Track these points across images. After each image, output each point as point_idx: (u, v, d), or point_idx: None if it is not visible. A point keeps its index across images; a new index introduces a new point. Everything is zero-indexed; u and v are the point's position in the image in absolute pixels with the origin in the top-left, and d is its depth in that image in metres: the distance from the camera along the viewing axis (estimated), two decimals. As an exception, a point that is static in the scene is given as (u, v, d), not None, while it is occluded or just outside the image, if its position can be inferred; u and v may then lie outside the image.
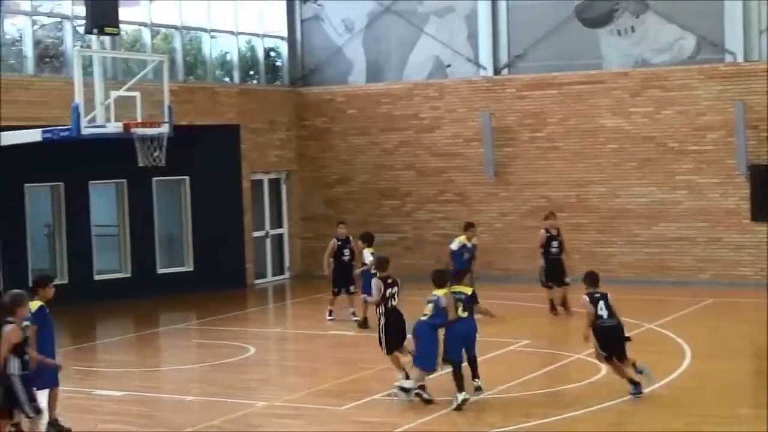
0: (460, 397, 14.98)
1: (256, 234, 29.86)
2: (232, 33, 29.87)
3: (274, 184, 31.04)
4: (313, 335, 21.56)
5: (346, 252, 22.79)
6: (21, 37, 24.83)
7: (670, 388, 15.94)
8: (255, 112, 29.71)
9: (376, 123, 30.14)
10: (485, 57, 28.93)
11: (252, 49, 30.83)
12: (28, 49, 24.32)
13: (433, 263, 28.53)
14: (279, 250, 31.01)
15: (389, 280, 16.27)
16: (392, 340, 16.01)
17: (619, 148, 27.39)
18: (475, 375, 15.88)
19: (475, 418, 14.61)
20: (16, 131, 21.33)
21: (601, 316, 15.46)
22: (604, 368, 16.36)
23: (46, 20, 25.97)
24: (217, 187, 28.62)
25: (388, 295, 16.12)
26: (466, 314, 15.72)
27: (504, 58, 28.88)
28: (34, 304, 13.91)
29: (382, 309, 16.13)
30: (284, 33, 31.26)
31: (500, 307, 23.69)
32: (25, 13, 24.78)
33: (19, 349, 12.61)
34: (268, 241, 30.44)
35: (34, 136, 20.64)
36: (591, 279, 15.85)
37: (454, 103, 29.20)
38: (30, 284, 14.66)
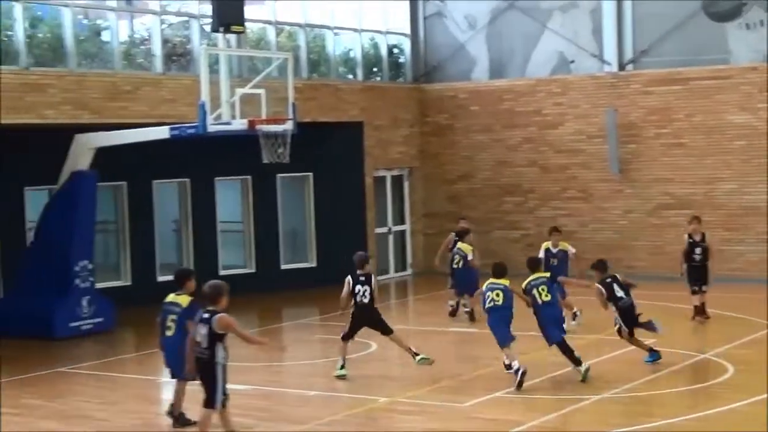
0: (582, 368, 16.13)
1: (379, 230, 29.99)
2: (355, 30, 30.02)
3: (397, 181, 31.13)
4: (435, 332, 21.57)
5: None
6: (150, 36, 25.29)
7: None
8: (378, 109, 29.82)
9: (499, 119, 30.03)
10: (610, 52, 28.62)
11: (375, 46, 30.94)
12: (157, 48, 24.74)
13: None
14: (401, 247, 31.10)
15: (362, 278, 17.27)
16: (351, 332, 17.42)
17: (747, 144, 26.86)
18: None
19: (598, 417, 14.47)
20: (144, 128, 21.76)
21: (621, 297, 17.16)
22: (731, 368, 16.07)
23: (173, 19, 26.41)
24: (340, 184, 28.82)
25: (356, 291, 17.20)
26: (549, 298, 16.71)
27: (629, 54, 28.53)
28: (185, 299, 14.39)
29: (352, 304, 17.32)
30: (407, 30, 31.32)
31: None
32: (154, 13, 25.22)
33: (223, 338, 13.01)
34: (391, 238, 30.55)
35: (162, 133, 21.01)
36: (601, 266, 17.66)
37: (578, 100, 28.95)
38: (173, 278, 15.02)
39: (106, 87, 23.08)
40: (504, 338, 16.49)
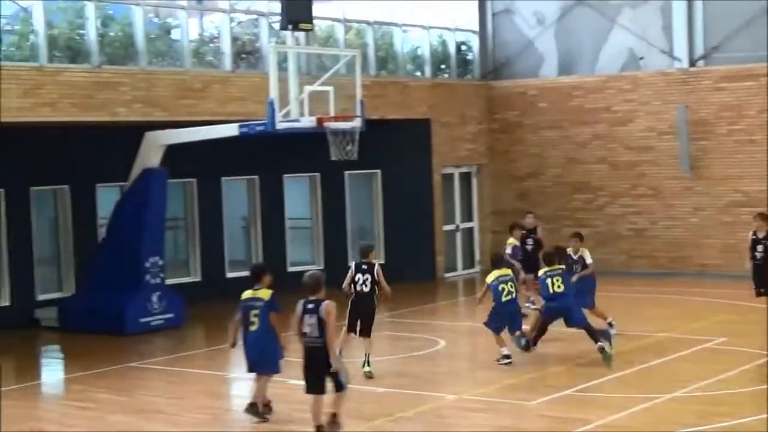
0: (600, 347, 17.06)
1: (447, 227, 29.96)
2: (423, 27, 29.99)
3: (465, 178, 31.07)
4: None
5: (529, 242, 22.69)
6: (219, 34, 25.45)
7: None
8: (446, 105, 29.78)
9: (568, 116, 29.87)
10: (680, 49, 28.34)
11: (443, 43, 30.90)
12: (226, 46, 24.90)
13: (626, 258, 28.42)
14: (469, 244, 31.04)
15: (364, 266, 17.44)
16: (350, 323, 17.34)
17: (821, 141, 26.51)
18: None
19: (668, 416, 14.33)
20: (214, 126, 21.91)
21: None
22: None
23: (243, 17, 26.56)
24: (408, 181, 28.83)
25: (356, 279, 17.38)
26: (562, 288, 17.78)
27: (700, 50, 28.23)
28: (266, 293, 14.67)
29: (352, 292, 17.37)
30: (475, 27, 31.25)
31: (695, 304, 23.34)
32: (224, 11, 25.38)
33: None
34: (459, 235, 30.50)
35: (231, 130, 21.14)
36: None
37: (648, 96, 28.71)
38: (251, 273, 15.17)
39: (176, 85, 23.28)
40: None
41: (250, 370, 14.86)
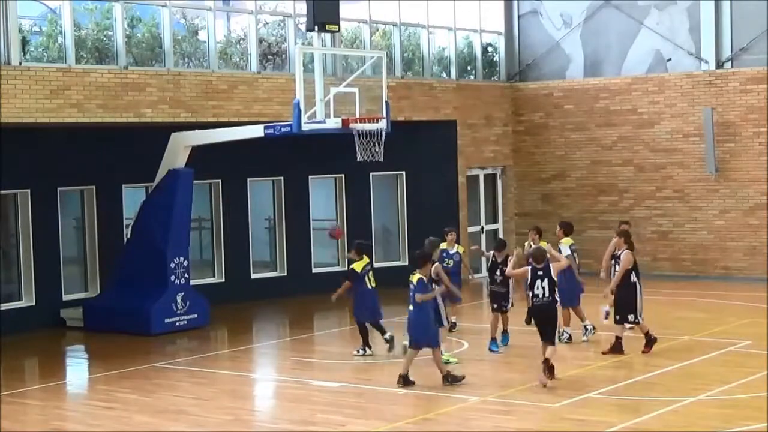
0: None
1: (472, 229, 29.93)
2: (449, 29, 30.00)
3: (490, 180, 31.06)
4: (522, 331, 21.46)
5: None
6: (245, 35, 25.53)
7: None
8: (472, 107, 29.77)
9: (594, 118, 29.81)
10: (707, 50, 28.23)
11: (469, 44, 30.89)
12: (252, 47, 24.97)
13: (650, 260, 28.31)
14: (494, 246, 30.94)
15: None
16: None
17: None
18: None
19: (692, 420, 14.28)
20: (239, 127, 21.98)
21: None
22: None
23: (269, 19, 26.62)
24: (433, 183, 28.82)
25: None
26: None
27: (727, 52, 28.12)
28: (414, 277, 16.62)
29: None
30: (501, 28, 31.23)
31: (719, 307, 23.23)
32: (250, 12, 25.44)
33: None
34: (483, 237, 30.47)
35: (256, 131, 21.18)
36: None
37: (675, 98, 28.61)
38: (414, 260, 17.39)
39: (202, 86, 23.36)
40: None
41: (410, 345, 16.74)
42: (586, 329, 19.67)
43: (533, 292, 16.77)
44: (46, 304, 23.29)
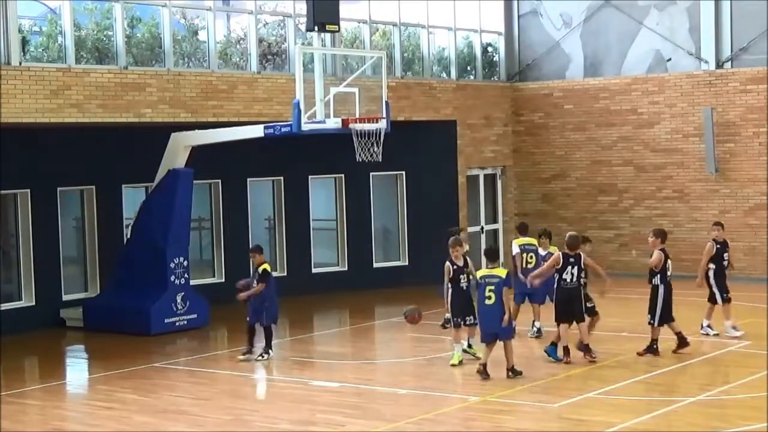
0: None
1: (471, 229, 29.93)
2: (449, 29, 30.00)
3: (490, 180, 31.06)
4: (525, 331, 21.49)
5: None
6: (245, 35, 25.53)
7: None
8: (471, 107, 29.77)
9: (594, 118, 29.81)
10: (707, 50, 28.22)
11: (469, 44, 30.89)
12: (252, 47, 24.97)
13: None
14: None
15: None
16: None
17: None
18: None
19: (691, 419, 14.29)
20: (239, 127, 21.98)
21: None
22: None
23: (269, 19, 26.62)
24: (432, 183, 28.83)
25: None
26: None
27: (727, 52, 28.11)
28: (502, 271, 16.92)
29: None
30: (501, 28, 31.23)
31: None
32: (250, 12, 25.44)
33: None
34: (483, 237, 30.47)
35: (256, 131, 21.18)
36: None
37: (675, 98, 28.61)
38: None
39: (202, 86, 23.36)
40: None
41: (484, 340, 16.96)
42: (536, 327, 20.37)
43: (561, 276, 17.71)
44: (46, 304, 23.29)
